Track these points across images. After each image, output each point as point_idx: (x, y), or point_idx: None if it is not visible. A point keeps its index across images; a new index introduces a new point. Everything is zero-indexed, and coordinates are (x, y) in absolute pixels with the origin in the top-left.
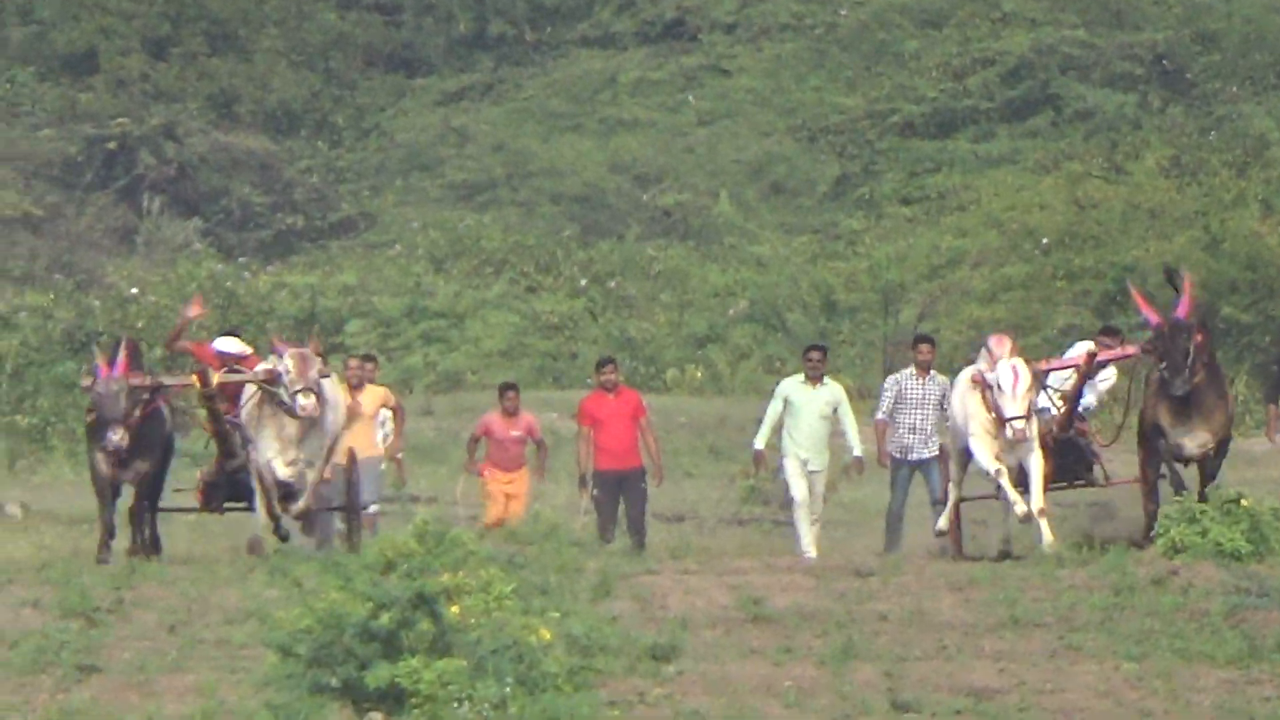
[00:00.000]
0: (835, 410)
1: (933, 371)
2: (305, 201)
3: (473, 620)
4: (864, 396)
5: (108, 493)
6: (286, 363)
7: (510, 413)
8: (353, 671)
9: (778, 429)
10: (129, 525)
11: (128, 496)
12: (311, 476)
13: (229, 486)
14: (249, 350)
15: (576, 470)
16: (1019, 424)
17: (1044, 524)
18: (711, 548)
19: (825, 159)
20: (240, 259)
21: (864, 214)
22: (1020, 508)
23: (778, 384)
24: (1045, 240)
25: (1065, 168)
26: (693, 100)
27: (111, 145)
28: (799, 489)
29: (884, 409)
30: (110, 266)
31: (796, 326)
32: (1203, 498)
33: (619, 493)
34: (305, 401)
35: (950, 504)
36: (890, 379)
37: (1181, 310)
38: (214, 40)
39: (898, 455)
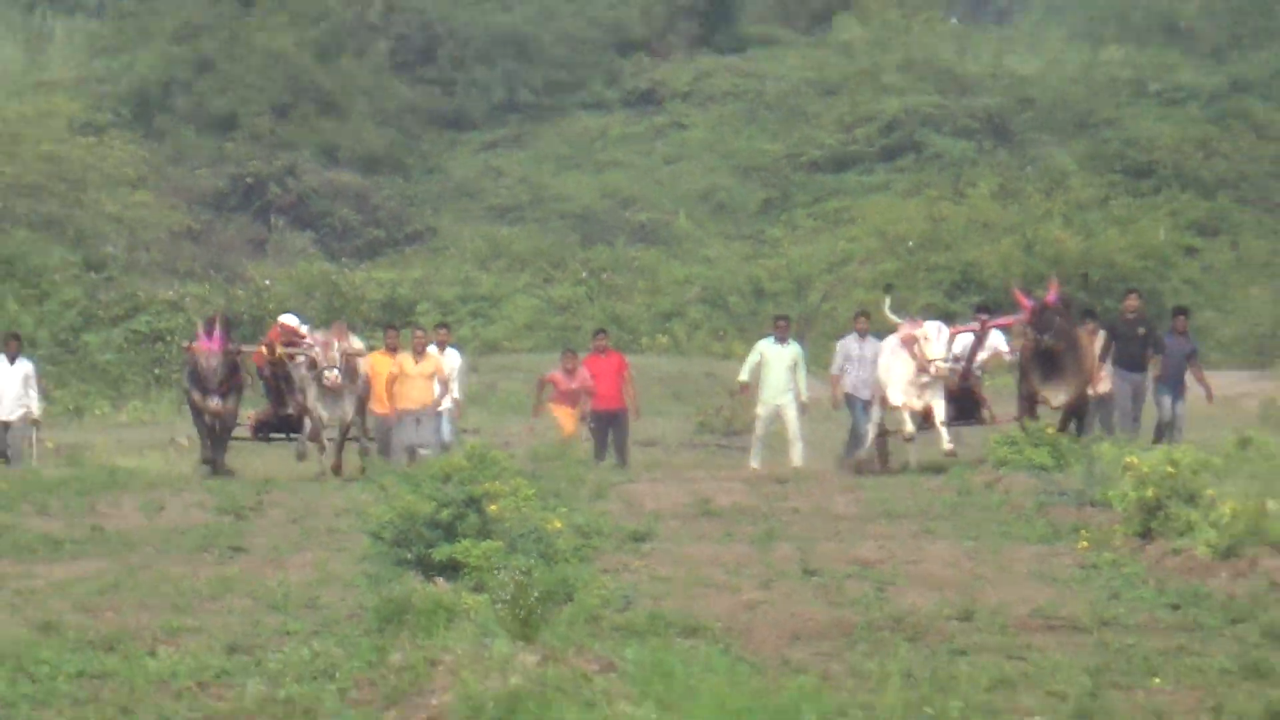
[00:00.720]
0: (796, 365)
1: (869, 336)
2: (387, 220)
3: (506, 515)
4: None
5: (204, 430)
6: (315, 349)
7: (570, 371)
8: (423, 550)
9: (755, 373)
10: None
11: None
12: (344, 419)
13: (276, 425)
14: (304, 327)
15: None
16: (941, 363)
17: (946, 434)
18: (674, 464)
19: (754, 188)
20: (341, 260)
21: (783, 226)
22: (909, 429)
23: (758, 343)
24: (910, 244)
25: (924, 193)
26: (660, 147)
27: (249, 180)
28: (761, 428)
29: (837, 365)
30: (249, 266)
31: (735, 306)
32: (1079, 432)
33: (609, 426)
34: (328, 375)
35: (871, 438)
36: (840, 343)
37: (1049, 298)
38: (322, 106)
39: (851, 393)
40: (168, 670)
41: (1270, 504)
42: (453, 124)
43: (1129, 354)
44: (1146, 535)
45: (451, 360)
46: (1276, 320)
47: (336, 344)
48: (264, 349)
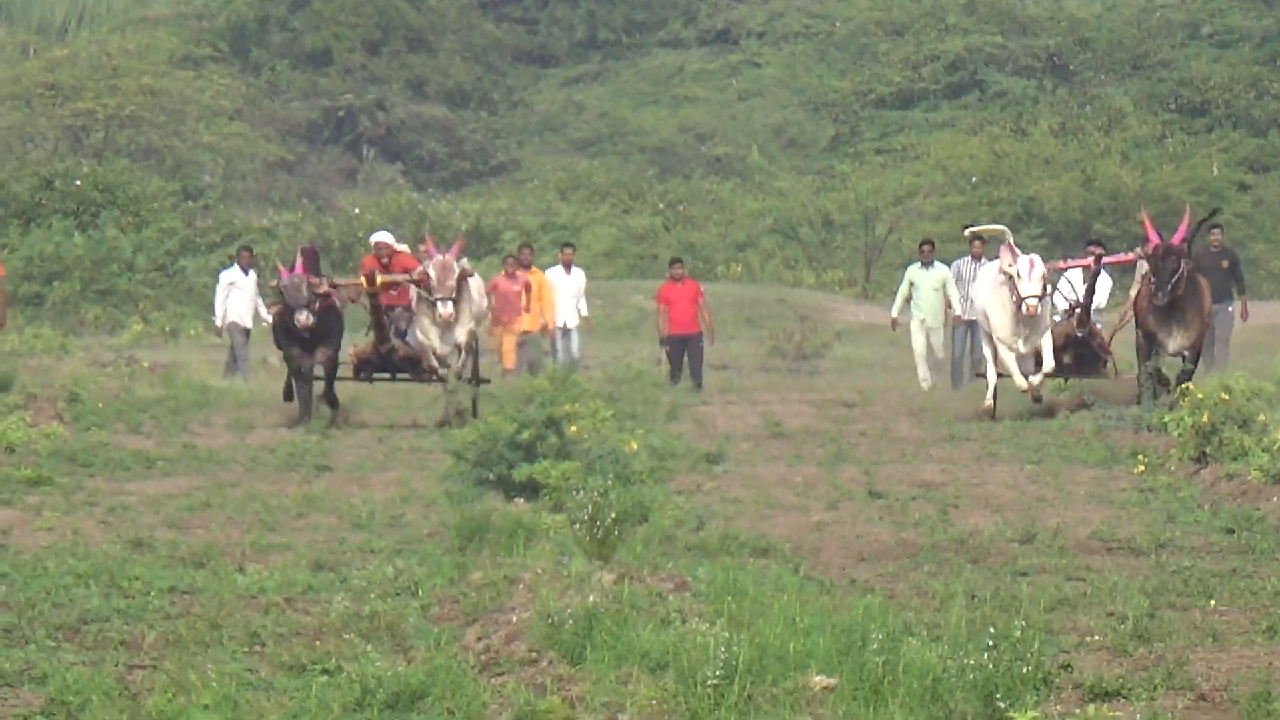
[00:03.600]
0: (944, 285)
1: (983, 258)
2: (473, 152)
3: (585, 436)
4: (851, 284)
5: (303, 374)
6: (430, 272)
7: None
8: (504, 470)
9: (906, 300)
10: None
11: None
12: (460, 352)
13: (379, 362)
14: (401, 246)
15: (657, 334)
16: (1033, 301)
17: (1037, 378)
18: (747, 386)
19: (824, 123)
20: (428, 191)
21: (851, 161)
22: (1021, 384)
23: (906, 268)
24: (974, 179)
25: (987, 130)
26: (735, 84)
27: (341, 113)
28: (919, 343)
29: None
30: (340, 196)
31: (805, 236)
32: (1181, 381)
33: (684, 350)
34: (443, 310)
35: (991, 382)
36: (953, 265)
37: (1176, 237)
38: (411, 42)
39: (957, 315)
40: (255, 586)
41: None
42: (536, 60)
43: (1214, 286)
44: (1201, 460)
45: (578, 279)
46: None
47: (456, 266)
48: (364, 279)
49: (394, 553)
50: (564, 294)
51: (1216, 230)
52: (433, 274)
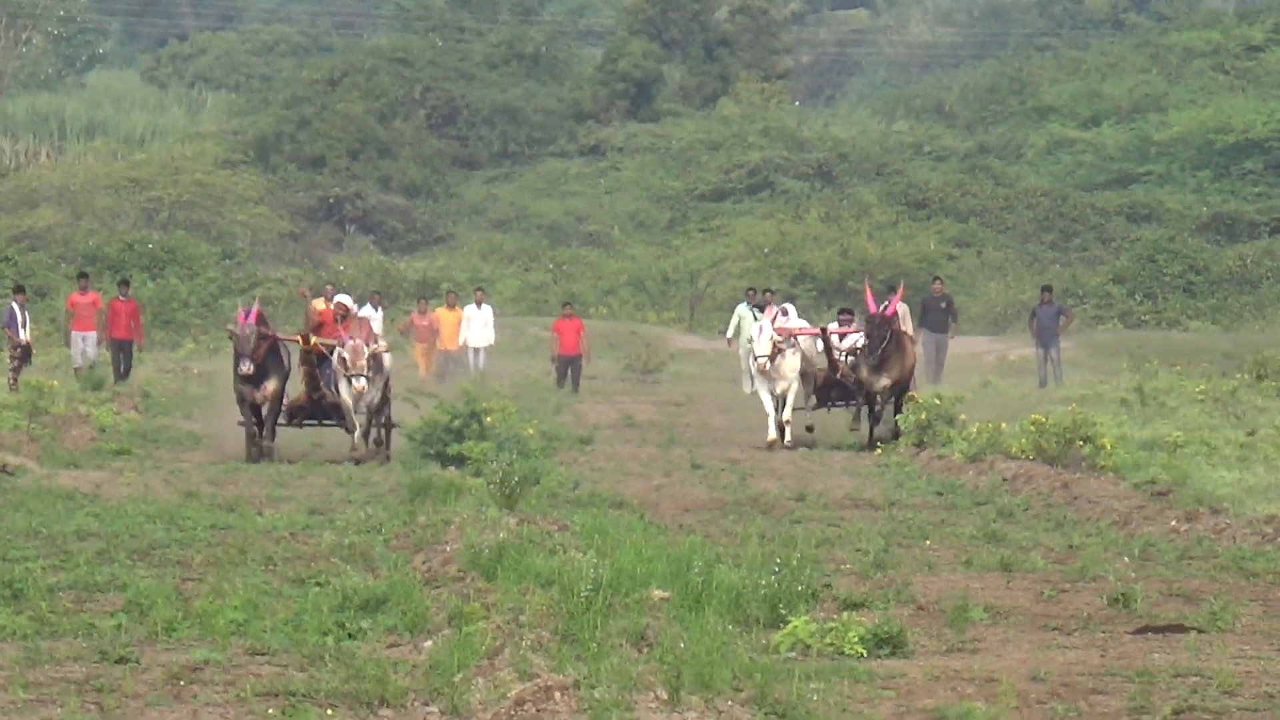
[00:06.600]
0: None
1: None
2: (422, 228)
3: (497, 424)
4: (681, 321)
5: (247, 406)
6: (343, 354)
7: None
8: (442, 447)
9: (735, 329)
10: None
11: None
12: (365, 407)
13: (310, 410)
14: (355, 309)
15: (549, 355)
16: (762, 359)
17: (787, 432)
18: (609, 391)
19: (664, 211)
20: (391, 254)
21: (682, 237)
22: (771, 432)
23: (737, 308)
24: (766, 250)
25: (775, 217)
26: (603, 182)
27: (331, 200)
28: (744, 363)
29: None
30: (330, 257)
31: (650, 288)
32: (875, 420)
33: (569, 366)
34: (356, 384)
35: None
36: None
37: (889, 309)
38: (380, 151)
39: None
40: (269, 525)
41: (1004, 425)
42: (466, 165)
43: (936, 321)
44: (920, 445)
45: (487, 313)
46: (1006, 304)
47: (366, 350)
48: (300, 339)
49: (365, 503)
50: (477, 323)
51: (938, 281)
52: (346, 356)
